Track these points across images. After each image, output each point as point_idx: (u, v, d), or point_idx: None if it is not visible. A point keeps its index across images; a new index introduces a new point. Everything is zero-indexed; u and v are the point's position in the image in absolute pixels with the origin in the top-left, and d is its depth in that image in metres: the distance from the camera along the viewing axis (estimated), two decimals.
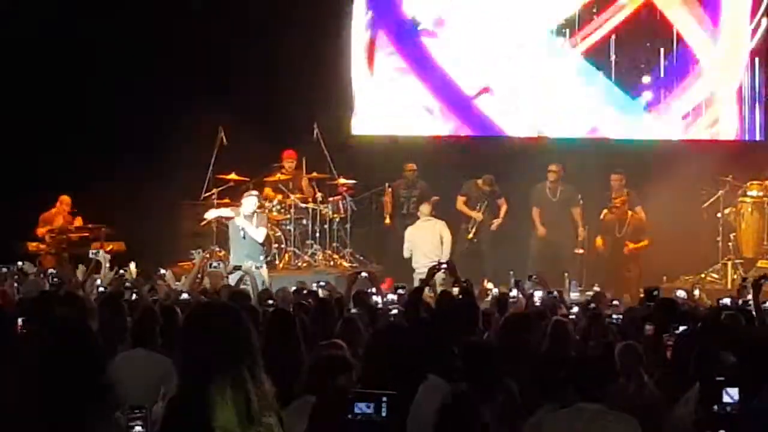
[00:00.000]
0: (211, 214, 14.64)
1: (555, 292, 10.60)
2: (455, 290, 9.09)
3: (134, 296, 9.68)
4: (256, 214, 13.80)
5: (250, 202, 13.81)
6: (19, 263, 11.45)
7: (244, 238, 13.56)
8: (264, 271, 13.53)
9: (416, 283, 11.06)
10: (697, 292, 11.30)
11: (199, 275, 12.05)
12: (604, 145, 16.82)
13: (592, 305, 9.57)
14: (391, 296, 10.04)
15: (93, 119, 15.38)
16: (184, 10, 15.99)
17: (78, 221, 15.30)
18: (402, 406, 5.69)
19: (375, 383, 5.77)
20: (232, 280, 11.86)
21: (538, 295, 10.17)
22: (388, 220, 16.09)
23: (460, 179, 16.16)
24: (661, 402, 6.26)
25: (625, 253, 15.22)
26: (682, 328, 7.36)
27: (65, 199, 15.30)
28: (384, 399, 4.82)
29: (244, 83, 16.02)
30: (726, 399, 4.94)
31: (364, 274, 11.01)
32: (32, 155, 15.32)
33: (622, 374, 6.38)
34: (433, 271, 9.57)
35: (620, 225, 15.36)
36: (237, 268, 12.10)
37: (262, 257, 13.81)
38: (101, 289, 10.12)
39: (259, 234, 13.71)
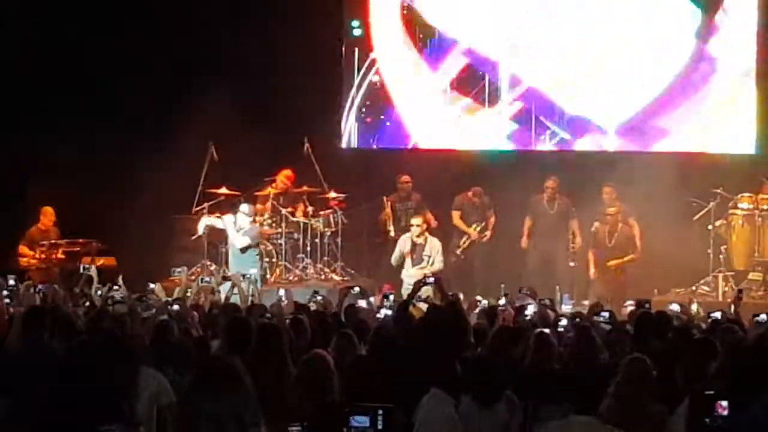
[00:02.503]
0: (201, 224, 14.73)
1: (547, 301, 10.60)
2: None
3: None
4: (247, 224, 14.04)
5: (242, 210, 14.11)
6: (10, 278, 11.38)
7: (242, 252, 13.75)
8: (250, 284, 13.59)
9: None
10: (695, 307, 11.23)
11: (189, 291, 12.03)
12: (596, 157, 16.87)
13: (578, 319, 9.56)
14: (384, 311, 10.05)
15: (83, 131, 15.29)
16: (174, 26, 16.00)
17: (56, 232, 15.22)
18: (401, 419, 5.74)
19: (369, 396, 5.79)
20: (223, 292, 11.90)
21: (531, 308, 10.19)
22: (392, 233, 15.98)
23: (452, 193, 16.20)
24: (656, 415, 6.26)
25: (611, 267, 15.27)
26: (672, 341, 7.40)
27: (48, 210, 15.21)
28: (380, 412, 4.95)
29: (234, 97, 16.01)
30: (716, 412, 4.94)
31: (356, 288, 11.04)
32: (21, 168, 15.31)
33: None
34: (419, 285, 9.61)
35: (610, 236, 15.41)
36: (226, 278, 12.09)
37: (253, 270, 13.84)
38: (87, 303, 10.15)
39: (239, 241, 13.93)
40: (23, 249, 15.00)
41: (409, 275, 14.58)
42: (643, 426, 5.95)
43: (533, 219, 15.92)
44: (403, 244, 15.15)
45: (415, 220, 15.23)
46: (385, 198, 16.13)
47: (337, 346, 7.55)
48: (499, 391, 6.41)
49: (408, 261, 15.02)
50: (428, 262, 14.97)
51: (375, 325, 8.75)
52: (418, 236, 15.05)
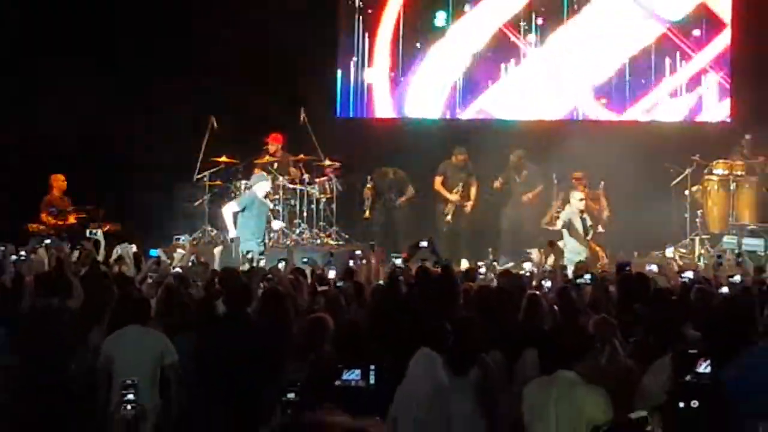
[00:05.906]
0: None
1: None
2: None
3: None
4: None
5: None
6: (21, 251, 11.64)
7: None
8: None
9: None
10: (675, 256, 11.47)
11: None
12: (577, 125, 17.31)
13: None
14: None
15: (86, 102, 15.51)
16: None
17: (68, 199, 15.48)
18: (392, 375, 6.09)
19: (365, 353, 6.18)
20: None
21: (527, 266, 10.56)
22: (368, 214, 16.42)
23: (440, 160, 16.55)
24: (634, 372, 6.46)
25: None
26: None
27: (58, 177, 15.36)
28: (372, 368, 5.18)
29: (233, 68, 16.33)
30: (698, 370, 5.13)
31: (358, 252, 11.37)
32: (27, 138, 15.64)
33: (597, 346, 6.58)
34: (415, 249, 9.94)
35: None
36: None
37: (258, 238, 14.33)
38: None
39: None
40: (45, 216, 15.10)
41: (580, 249, 14.62)
42: (619, 383, 6.10)
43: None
44: (569, 216, 14.86)
45: (577, 194, 14.96)
46: (369, 177, 16.44)
47: (326, 308, 7.86)
48: (474, 352, 6.38)
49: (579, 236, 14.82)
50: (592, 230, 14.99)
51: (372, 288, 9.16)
52: (582, 210, 14.87)
